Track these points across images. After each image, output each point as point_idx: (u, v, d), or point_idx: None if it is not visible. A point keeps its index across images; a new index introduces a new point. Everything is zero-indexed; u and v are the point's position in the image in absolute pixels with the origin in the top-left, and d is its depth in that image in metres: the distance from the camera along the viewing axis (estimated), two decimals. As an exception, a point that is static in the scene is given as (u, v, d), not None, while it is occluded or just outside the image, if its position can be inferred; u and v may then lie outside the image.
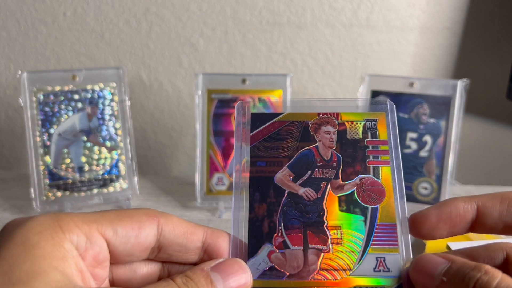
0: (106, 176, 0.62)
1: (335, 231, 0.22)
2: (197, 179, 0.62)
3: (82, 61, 0.77)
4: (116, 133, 0.63)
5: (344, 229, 0.22)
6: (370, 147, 0.23)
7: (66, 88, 0.61)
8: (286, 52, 0.76)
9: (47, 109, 0.60)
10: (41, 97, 0.60)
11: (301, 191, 0.23)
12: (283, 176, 0.23)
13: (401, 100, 0.61)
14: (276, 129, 0.24)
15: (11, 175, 0.71)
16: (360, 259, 0.21)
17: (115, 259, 0.23)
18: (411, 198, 0.61)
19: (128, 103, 0.63)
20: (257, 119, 0.24)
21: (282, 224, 0.22)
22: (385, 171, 0.22)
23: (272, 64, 0.76)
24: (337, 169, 0.23)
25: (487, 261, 0.21)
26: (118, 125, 0.63)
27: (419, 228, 0.22)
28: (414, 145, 0.61)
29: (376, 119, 0.23)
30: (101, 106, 0.62)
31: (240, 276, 0.22)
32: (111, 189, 0.62)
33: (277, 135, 0.24)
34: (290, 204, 0.23)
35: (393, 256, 0.21)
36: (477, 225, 0.21)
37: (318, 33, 0.75)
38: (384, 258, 0.21)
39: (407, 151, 0.61)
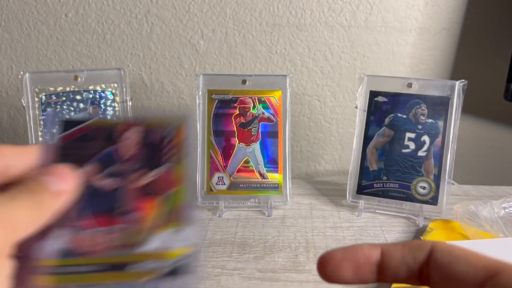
0: (108, 176, 0.63)
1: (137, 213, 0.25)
2: (198, 179, 0.62)
3: (84, 62, 0.78)
4: (117, 133, 0.63)
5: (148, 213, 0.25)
6: (167, 149, 0.26)
7: (68, 89, 0.62)
8: (285, 53, 0.76)
9: (49, 109, 0.61)
10: (43, 97, 0.61)
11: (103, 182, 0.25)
12: (87, 170, 0.25)
13: (399, 100, 0.62)
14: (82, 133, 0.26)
15: (13, 175, 0.71)
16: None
17: None
18: (409, 198, 0.61)
19: (129, 103, 0.64)
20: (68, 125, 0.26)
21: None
22: (177, 167, 0.26)
23: (272, 64, 0.77)
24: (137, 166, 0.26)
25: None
26: (119, 125, 0.63)
27: (324, 267, 0.21)
28: (412, 145, 0.62)
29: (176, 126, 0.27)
30: (102, 106, 0.63)
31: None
32: (112, 188, 0.63)
33: (84, 137, 0.26)
34: (86, 195, 0.25)
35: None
36: (383, 269, 0.21)
37: (318, 34, 0.75)
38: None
39: (405, 151, 0.62)
